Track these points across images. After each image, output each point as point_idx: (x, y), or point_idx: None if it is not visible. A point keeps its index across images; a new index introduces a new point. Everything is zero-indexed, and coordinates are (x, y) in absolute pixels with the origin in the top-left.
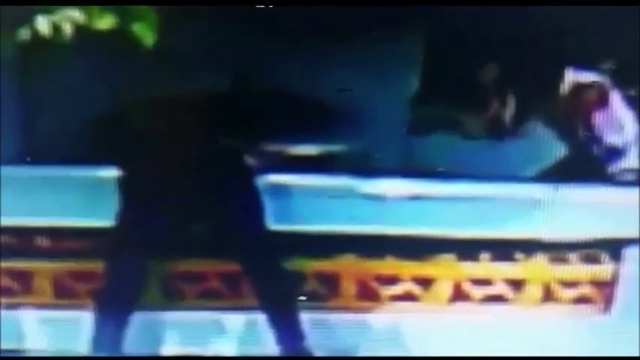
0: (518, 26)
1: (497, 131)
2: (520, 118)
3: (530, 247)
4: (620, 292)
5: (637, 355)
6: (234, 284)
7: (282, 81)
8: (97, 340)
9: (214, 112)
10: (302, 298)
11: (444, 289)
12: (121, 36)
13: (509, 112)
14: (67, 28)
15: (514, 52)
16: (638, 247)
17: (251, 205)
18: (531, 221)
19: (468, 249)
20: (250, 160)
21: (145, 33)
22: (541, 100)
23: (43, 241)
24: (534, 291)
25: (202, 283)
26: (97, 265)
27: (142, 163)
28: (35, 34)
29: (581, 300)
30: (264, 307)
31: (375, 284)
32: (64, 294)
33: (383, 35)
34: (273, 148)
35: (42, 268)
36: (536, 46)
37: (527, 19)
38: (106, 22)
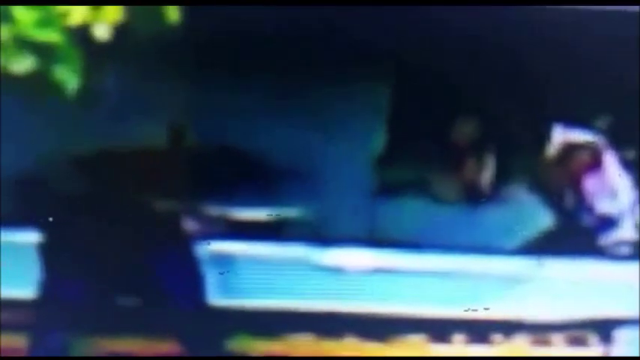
0: (499, 76)
1: (474, 196)
2: (500, 181)
3: (509, 327)
4: None
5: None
6: None
7: (226, 135)
8: None
9: (147, 170)
10: None
11: None
12: (40, 80)
13: (487, 174)
14: None
15: (494, 105)
16: (630, 328)
17: (189, 276)
18: (511, 299)
19: (439, 329)
20: (189, 225)
21: (68, 76)
22: (524, 162)
23: None
24: None
25: None
26: (18, 341)
27: (65, 226)
28: None
29: None
30: None
31: None
32: None
33: (344, 86)
34: (216, 211)
35: None
36: (520, 98)
37: (510, 67)
38: (23, 63)
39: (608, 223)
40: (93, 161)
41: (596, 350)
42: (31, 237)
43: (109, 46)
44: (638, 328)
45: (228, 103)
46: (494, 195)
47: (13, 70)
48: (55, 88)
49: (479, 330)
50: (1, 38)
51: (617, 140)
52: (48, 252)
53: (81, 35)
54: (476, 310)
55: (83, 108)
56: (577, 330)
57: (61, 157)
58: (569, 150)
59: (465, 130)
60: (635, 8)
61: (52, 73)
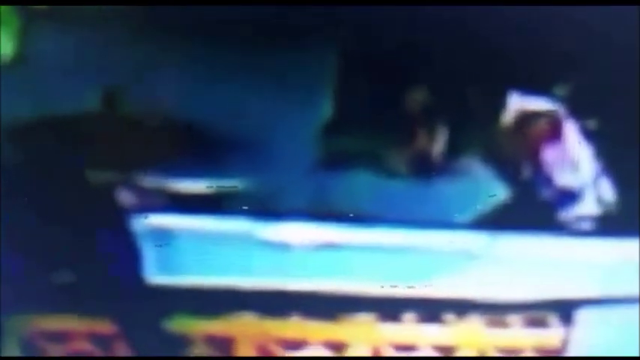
0: (451, 40)
1: (425, 168)
2: (453, 152)
3: (462, 307)
4: None
5: (637, 355)
6: (106, 346)
7: (164, 102)
8: None
9: (80, 139)
10: None
11: (360, 355)
12: None
13: (439, 145)
14: None
15: (446, 72)
16: (592, 308)
17: (124, 252)
18: (465, 277)
19: (388, 308)
20: (124, 198)
21: (5, 40)
22: (478, 132)
23: None
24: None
25: (69, 344)
26: None
27: None
28: None
29: None
30: None
31: (277, 349)
32: None
33: (287, 50)
34: (153, 183)
35: None
36: (474, 64)
37: (462, 30)
38: None
39: (569, 196)
40: (22, 129)
41: (556, 332)
42: None
43: (43, 9)
44: (600, 308)
45: (166, 68)
46: (446, 166)
47: None
48: None
49: (430, 309)
50: None
51: (578, 109)
52: None
53: None
54: (427, 288)
55: (13, 73)
56: (535, 310)
57: None
58: (526, 118)
59: (416, 98)
60: None
61: None
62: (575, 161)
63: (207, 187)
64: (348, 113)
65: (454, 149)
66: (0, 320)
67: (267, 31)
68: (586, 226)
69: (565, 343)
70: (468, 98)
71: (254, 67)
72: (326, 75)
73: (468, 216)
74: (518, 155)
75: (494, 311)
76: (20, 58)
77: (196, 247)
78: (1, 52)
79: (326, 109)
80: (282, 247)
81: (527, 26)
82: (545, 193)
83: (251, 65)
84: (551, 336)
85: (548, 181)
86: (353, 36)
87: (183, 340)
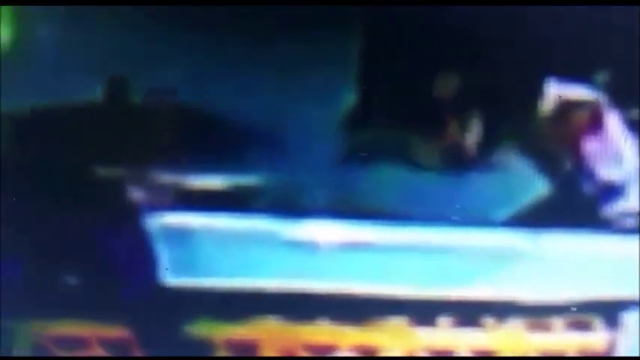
0: (486, 25)
1: (459, 162)
2: (488, 145)
3: (502, 309)
4: None
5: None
6: (121, 352)
7: (176, 92)
8: None
9: (87, 133)
10: None
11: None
12: None
13: (473, 137)
14: None
15: (480, 58)
16: None
17: (139, 253)
18: (503, 277)
19: (422, 311)
20: (137, 196)
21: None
22: (515, 123)
23: None
24: None
25: (82, 350)
26: None
27: None
28: None
29: None
30: None
31: (304, 354)
32: None
33: (308, 38)
34: (168, 180)
35: None
36: (510, 51)
37: (498, 15)
38: None
39: (612, 191)
40: (22, 123)
41: (601, 335)
42: None
43: None
44: None
45: (180, 55)
46: (481, 160)
47: None
48: None
49: (468, 312)
50: None
51: (620, 98)
52: None
53: None
54: (463, 290)
55: (11, 62)
56: (579, 313)
57: None
58: (566, 108)
59: (447, 86)
60: None
61: None
62: (618, 153)
63: (226, 183)
64: (373, 102)
65: (489, 141)
66: (8, 326)
67: (285, 14)
68: (631, 222)
69: (611, 348)
70: (504, 85)
71: (272, 54)
72: (349, 61)
73: (504, 213)
74: (558, 147)
75: (536, 314)
76: (17, 46)
77: (215, 247)
78: None
79: (350, 98)
80: (308, 247)
81: (566, 9)
82: (587, 188)
83: (269, 52)
84: (596, 339)
85: (590, 175)
86: (377, 17)
87: (204, 346)
